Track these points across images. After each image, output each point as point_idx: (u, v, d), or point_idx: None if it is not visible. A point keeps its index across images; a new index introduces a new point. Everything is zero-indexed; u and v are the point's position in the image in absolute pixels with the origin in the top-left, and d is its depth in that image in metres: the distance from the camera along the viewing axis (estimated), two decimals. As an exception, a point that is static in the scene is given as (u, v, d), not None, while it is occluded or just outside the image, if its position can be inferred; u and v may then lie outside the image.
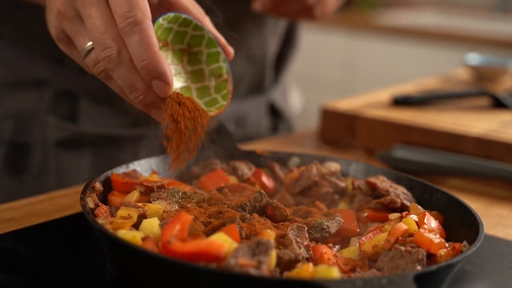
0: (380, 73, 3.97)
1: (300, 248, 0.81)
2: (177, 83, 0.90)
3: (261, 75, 1.50)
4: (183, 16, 0.87)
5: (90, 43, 0.82)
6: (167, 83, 0.79)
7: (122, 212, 0.81)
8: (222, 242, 0.73)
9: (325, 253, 0.81)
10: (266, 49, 1.47)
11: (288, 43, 1.59)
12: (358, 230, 0.91)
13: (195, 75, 0.92)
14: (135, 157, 1.29)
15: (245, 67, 1.44)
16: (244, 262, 0.70)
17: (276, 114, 1.62)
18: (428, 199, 0.97)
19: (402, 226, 0.83)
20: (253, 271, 0.69)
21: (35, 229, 0.93)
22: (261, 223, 0.83)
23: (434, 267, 0.73)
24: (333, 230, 0.89)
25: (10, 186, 1.30)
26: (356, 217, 0.94)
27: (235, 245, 0.73)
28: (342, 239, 0.90)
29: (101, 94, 1.29)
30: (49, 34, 0.87)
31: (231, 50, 0.91)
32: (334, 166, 1.03)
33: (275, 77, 1.58)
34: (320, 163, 1.04)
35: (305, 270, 0.73)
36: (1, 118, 1.30)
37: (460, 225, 0.89)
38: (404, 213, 0.90)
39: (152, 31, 0.78)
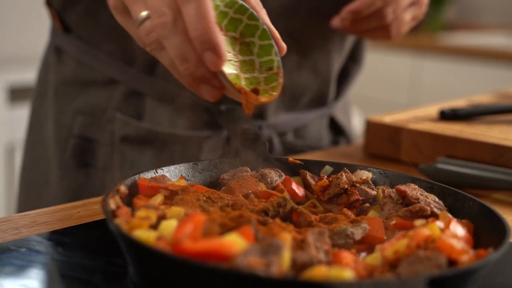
0: (445, 93, 3.90)
1: (319, 252, 0.80)
2: (228, 69, 0.89)
3: (325, 88, 1.50)
4: (240, 2, 0.86)
5: (145, 12, 0.81)
6: (219, 55, 0.77)
7: (141, 213, 0.82)
8: (234, 242, 0.72)
9: (345, 257, 0.80)
10: (331, 64, 1.48)
11: (353, 59, 1.59)
12: (385, 238, 0.89)
13: (245, 65, 0.92)
14: (197, 157, 1.35)
15: (309, 79, 1.45)
16: (252, 261, 0.69)
17: (337, 130, 1.61)
18: (460, 208, 0.95)
19: (425, 231, 0.81)
20: (261, 271, 0.69)
21: (61, 232, 0.94)
22: (281, 227, 0.82)
23: (449, 271, 0.71)
24: (357, 236, 0.87)
25: (77, 178, 1.38)
26: (385, 225, 0.92)
27: (246, 245, 0.72)
28: (368, 246, 0.88)
29: (166, 95, 1.34)
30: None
31: (284, 45, 0.90)
32: (365, 174, 1.02)
33: (337, 92, 1.58)
34: (352, 172, 1.03)
35: (318, 272, 0.72)
36: (73, 114, 1.39)
37: (491, 233, 0.86)
38: (430, 219, 0.88)
39: (210, 4, 0.77)
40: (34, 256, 0.86)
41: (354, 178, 1.00)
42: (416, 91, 4.11)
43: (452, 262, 0.77)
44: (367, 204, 1.01)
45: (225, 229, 0.79)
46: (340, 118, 1.61)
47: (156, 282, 0.76)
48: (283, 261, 0.72)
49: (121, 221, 0.79)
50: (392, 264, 0.80)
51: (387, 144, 1.43)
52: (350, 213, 0.93)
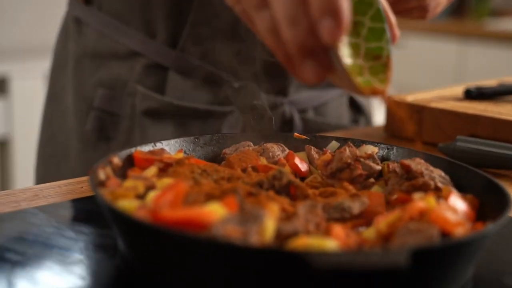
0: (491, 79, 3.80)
1: (309, 225, 0.77)
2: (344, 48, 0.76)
3: None
4: None
5: None
6: (340, 25, 0.61)
7: (128, 183, 0.80)
8: (213, 211, 0.70)
9: (336, 230, 0.77)
10: None
11: None
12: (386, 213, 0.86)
13: (348, 48, 0.78)
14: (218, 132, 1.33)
15: None
16: (230, 230, 0.67)
17: (356, 109, 1.58)
18: (467, 183, 0.91)
19: (419, 203, 0.77)
20: (237, 240, 0.66)
21: (58, 206, 0.93)
22: (271, 199, 0.80)
23: (436, 243, 0.67)
24: (355, 211, 0.84)
25: (97, 152, 1.38)
26: (387, 200, 0.89)
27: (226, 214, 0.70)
28: (368, 221, 0.85)
29: (189, 69, 1.33)
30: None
31: (398, 32, 0.78)
32: (370, 148, 0.99)
33: None
34: (358, 147, 1.00)
35: (300, 242, 0.69)
36: (94, 86, 1.38)
37: (496, 209, 0.82)
38: (430, 193, 0.84)
39: None
40: (26, 227, 0.85)
41: (358, 153, 0.96)
42: (461, 78, 4.02)
43: (446, 236, 0.74)
44: (372, 180, 0.97)
45: (208, 198, 0.77)
46: (359, 97, 1.58)
47: (138, 252, 0.74)
48: (265, 231, 0.70)
49: (106, 191, 0.77)
50: (386, 238, 0.77)
51: (409, 123, 1.39)
52: (351, 187, 0.90)
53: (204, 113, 1.35)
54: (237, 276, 0.67)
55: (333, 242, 0.69)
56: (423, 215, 0.76)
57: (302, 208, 0.79)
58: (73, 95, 1.42)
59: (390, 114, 1.42)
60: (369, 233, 0.79)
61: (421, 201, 0.78)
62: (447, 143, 1.24)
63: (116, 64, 1.38)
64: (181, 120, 1.36)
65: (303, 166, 0.99)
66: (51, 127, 1.48)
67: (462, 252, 0.70)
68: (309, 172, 1.00)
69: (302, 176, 0.98)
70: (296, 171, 0.98)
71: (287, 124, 1.40)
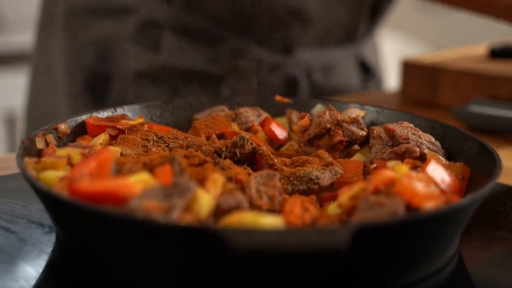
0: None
1: (261, 197, 0.67)
2: None
3: (355, 22, 1.35)
4: None
5: None
6: None
7: (61, 152, 0.72)
8: (136, 183, 0.61)
9: (291, 204, 0.67)
10: None
11: None
12: (364, 184, 0.75)
13: None
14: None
15: (339, 12, 1.32)
16: (148, 205, 0.58)
17: (366, 70, 1.46)
18: (460, 149, 0.79)
19: (386, 173, 0.66)
20: (157, 216, 0.57)
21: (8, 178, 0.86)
22: (218, 169, 0.70)
23: (389, 220, 0.57)
24: (325, 182, 0.74)
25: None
26: (367, 170, 0.78)
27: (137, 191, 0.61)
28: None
29: (186, 26, 1.24)
30: None
31: None
32: (355, 112, 0.88)
33: (368, 28, 1.42)
34: (343, 110, 0.89)
35: (234, 218, 0.59)
36: (84, 44, 1.30)
37: (485, 177, 0.71)
38: (406, 160, 0.74)
39: None
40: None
41: (340, 117, 0.86)
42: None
43: (414, 210, 0.63)
44: (357, 147, 0.87)
45: (143, 167, 0.68)
46: (370, 57, 1.46)
47: (61, 226, 0.66)
48: (197, 206, 0.61)
49: (30, 161, 0.69)
50: (350, 213, 0.66)
51: (424, 87, 1.27)
52: (326, 155, 0.80)
53: (200, 75, 1.25)
54: (153, 254, 0.58)
55: (273, 219, 0.59)
56: (390, 186, 0.65)
57: (254, 179, 0.69)
58: (61, 55, 1.32)
59: (405, 75, 1.29)
60: (332, 208, 0.69)
61: (389, 170, 0.67)
62: (461, 107, 1.12)
63: (107, 22, 1.28)
64: (176, 83, 1.26)
65: (281, 133, 0.89)
66: (39, 88, 1.39)
67: (426, 230, 0.60)
68: (289, 139, 0.90)
69: (280, 144, 0.88)
70: (272, 138, 0.88)
71: (291, 87, 1.29)
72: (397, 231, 0.56)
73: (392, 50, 2.46)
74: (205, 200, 0.61)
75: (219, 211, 0.62)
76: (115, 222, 0.57)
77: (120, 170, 0.67)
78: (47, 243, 0.68)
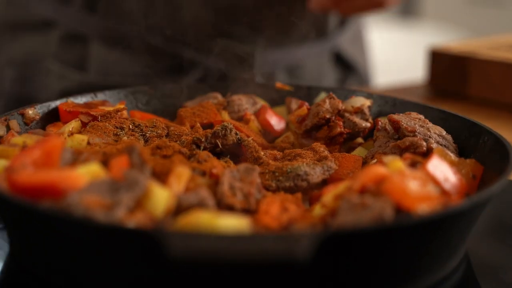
0: None
1: (235, 195, 0.59)
2: None
3: (322, 16, 1.19)
4: None
5: None
6: None
7: (17, 139, 0.64)
8: (82, 175, 0.53)
9: (268, 204, 0.58)
10: None
11: None
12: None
13: None
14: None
15: (301, 6, 1.13)
16: (88, 200, 0.50)
17: (344, 66, 1.30)
18: (474, 144, 0.70)
19: (376, 169, 0.57)
20: (98, 214, 0.49)
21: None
22: (206, 162, 0.62)
23: (359, 227, 0.48)
24: (315, 179, 0.65)
25: None
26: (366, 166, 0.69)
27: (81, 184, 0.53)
28: None
29: (114, 35, 1.09)
30: None
31: None
32: (360, 101, 0.78)
33: (340, 19, 1.26)
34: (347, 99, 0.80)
35: (190, 218, 0.51)
36: (2, 66, 1.15)
37: (497, 176, 0.61)
38: (405, 155, 0.64)
39: None
40: None
41: (341, 106, 0.76)
42: None
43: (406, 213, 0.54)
44: (360, 140, 0.78)
45: (102, 157, 0.60)
46: (349, 51, 1.29)
47: (4, 222, 0.59)
48: (154, 203, 0.52)
49: (-20, 148, 0.62)
50: (335, 213, 0.57)
51: (453, 77, 1.16)
52: (322, 148, 0.70)
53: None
54: (89, 255, 0.50)
55: (235, 220, 0.50)
56: (379, 185, 0.56)
57: (229, 173, 0.61)
58: None
59: (433, 65, 1.19)
60: (318, 208, 0.60)
61: (380, 167, 0.58)
62: None
63: (28, 38, 1.13)
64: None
65: (277, 123, 0.80)
66: None
67: (415, 238, 0.50)
68: (287, 130, 0.81)
69: (277, 135, 0.80)
70: (267, 128, 0.79)
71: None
72: (377, 239, 0.47)
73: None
74: (161, 196, 0.53)
75: (179, 210, 0.54)
76: (47, 220, 0.49)
77: (76, 160, 0.59)
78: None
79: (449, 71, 1.17)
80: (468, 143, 0.70)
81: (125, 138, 0.68)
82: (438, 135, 0.71)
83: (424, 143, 0.68)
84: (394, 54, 2.68)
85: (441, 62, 1.18)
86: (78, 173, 0.53)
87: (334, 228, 0.49)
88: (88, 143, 0.67)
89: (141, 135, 0.70)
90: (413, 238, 0.50)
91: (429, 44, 1.23)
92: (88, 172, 0.54)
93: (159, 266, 0.46)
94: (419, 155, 0.67)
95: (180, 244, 0.43)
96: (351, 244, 0.46)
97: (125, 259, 0.48)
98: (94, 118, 0.73)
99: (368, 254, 0.48)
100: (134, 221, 0.50)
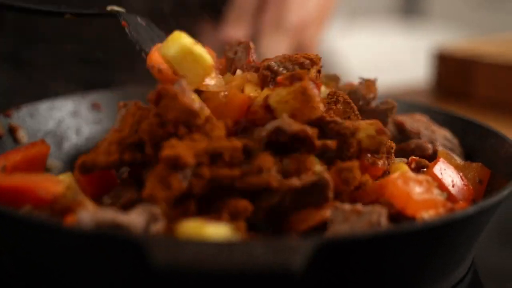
0: None
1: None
2: None
3: None
4: None
5: None
6: None
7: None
8: (55, 181, 0.50)
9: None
10: None
11: None
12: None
13: None
14: None
15: None
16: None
17: None
18: (481, 147, 0.66)
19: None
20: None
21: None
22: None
23: (365, 233, 0.44)
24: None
25: None
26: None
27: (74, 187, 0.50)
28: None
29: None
30: None
31: None
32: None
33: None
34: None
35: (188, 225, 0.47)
36: None
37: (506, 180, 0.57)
38: (411, 158, 0.61)
39: None
40: None
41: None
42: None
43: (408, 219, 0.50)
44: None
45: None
46: None
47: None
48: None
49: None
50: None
51: (459, 78, 1.13)
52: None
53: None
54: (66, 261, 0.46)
55: (221, 228, 0.46)
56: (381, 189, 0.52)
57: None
58: None
59: (438, 66, 1.16)
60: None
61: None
62: None
63: None
64: None
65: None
66: None
67: (417, 246, 0.47)
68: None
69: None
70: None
71: None
72: (377, 246, 0.44)
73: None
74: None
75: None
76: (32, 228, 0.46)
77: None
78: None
79: (455, 73, 1.14)
80: (475, 146, 0.67)
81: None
82: (444, 138, 0.67)
83: (430, 146, 0.65)
84: (397, 53, 2.64)
85: (447, 63, 1.15)
86: (53, 179, 0.50)
87: (330, 237, 0.46)
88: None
89: None
90: (416, 246, 0.47)
91: (432, 43, 1.20)
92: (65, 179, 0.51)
93: (144, 275, 0.42)
94: (424, 159, 0.63)
95: (165, 253, 0.39)
96: (349, 253, 0.43)
97: (109, 266, 0.44)
98: None
99: (367, 264, 0.45)
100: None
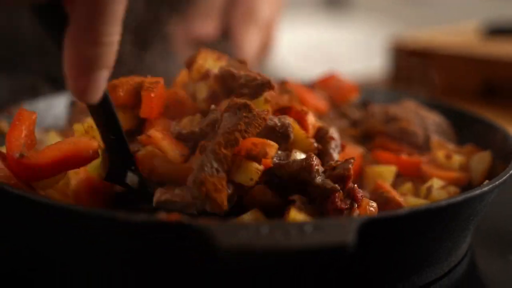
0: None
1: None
2: None
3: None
4: None
5: None
6: None
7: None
8: (88, 140, 0.53)
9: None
10: None
11: None
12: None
13: None
14: None
15: None
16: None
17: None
18: (468, 132, 0.71)
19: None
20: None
21: None
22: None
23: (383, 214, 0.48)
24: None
25: None
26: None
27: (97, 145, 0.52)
28: None
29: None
30: None
31: None
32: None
33: None
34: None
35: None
36: None
37: (497, 159, 0.64)
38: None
39: None
40: None
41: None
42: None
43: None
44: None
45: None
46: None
47: None
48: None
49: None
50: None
51: (414, 71, 1.19)
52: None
53: None
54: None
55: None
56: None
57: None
58: None
59: (392, 59, 1.21)
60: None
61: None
62: None
63: None
64: None
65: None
66: None
67: (438, 221, 0.51)
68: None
69: None
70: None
71: None
72: (408, 223, 0.48)
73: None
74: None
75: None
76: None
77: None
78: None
79: (412, 64, 1.18)
80: (461, 131, 0.72)
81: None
82: (434, 123, 0.71)
83: (421, 132, 0.69)
84: (330, 46, 2.69)
85: (399, 56, 1.19)
86: (85, 139, 0.53)
87: (371, 216, 0.50)
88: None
89: None
90: (437, 221, 0.51)
91: (364, 36, 1.24)
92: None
93: (209, 260, 0.44)
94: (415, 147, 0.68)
95: (227, 237, 0.42)
96: (388, 228, 0.47)
97: (178, 253, 0.47)
98: None
99: (400, 237, 0.49)
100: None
